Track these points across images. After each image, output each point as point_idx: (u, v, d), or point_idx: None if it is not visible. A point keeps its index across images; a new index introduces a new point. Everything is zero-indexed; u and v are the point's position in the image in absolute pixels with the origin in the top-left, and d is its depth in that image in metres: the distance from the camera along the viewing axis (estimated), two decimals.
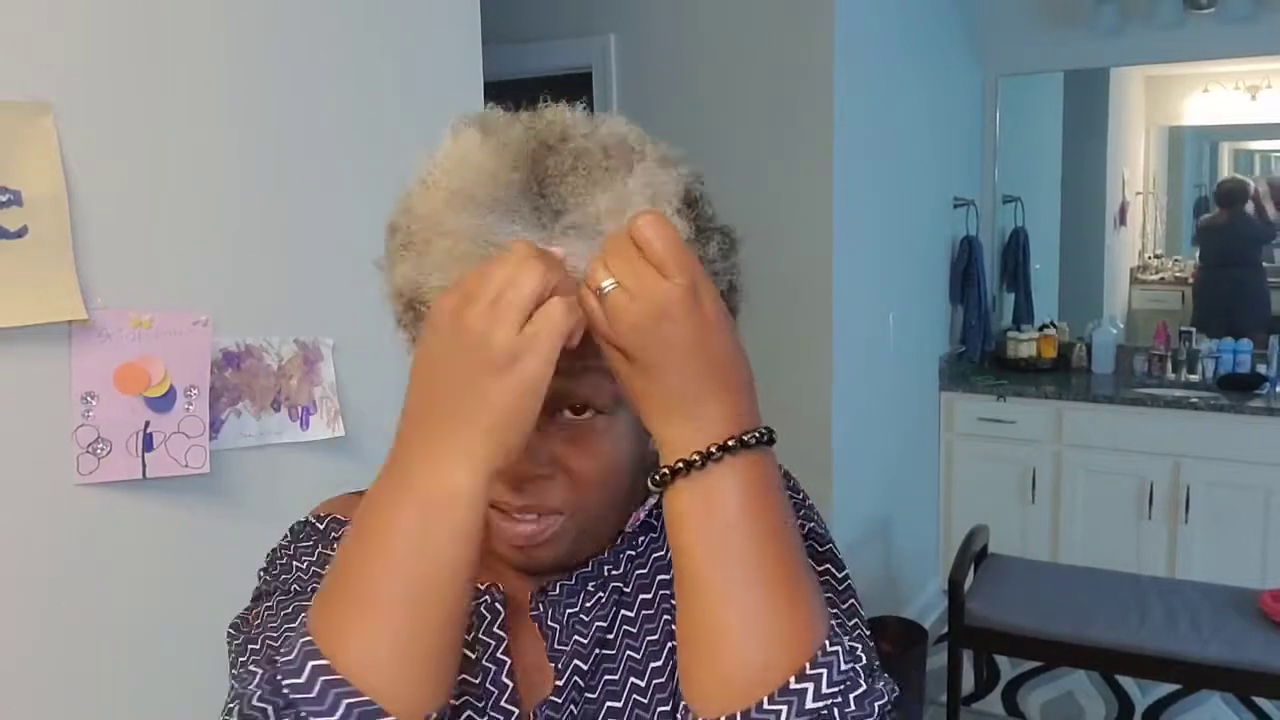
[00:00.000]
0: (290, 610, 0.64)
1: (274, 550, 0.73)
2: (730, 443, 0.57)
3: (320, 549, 0.70)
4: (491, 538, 0.65)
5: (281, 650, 0.57)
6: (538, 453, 0.62)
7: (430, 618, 0.56)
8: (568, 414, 0.63)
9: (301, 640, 0.56)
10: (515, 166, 0.61)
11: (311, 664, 0.55)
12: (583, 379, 0.61)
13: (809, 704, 0.55)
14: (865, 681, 0.57)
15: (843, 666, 0.57)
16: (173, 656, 1.36)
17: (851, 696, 0.56)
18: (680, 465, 0.57)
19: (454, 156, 0.63)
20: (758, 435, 0.59)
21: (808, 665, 0.56)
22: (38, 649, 1.26)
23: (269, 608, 0.66)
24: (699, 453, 0.57)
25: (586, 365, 0.60)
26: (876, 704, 0.57)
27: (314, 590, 0.63)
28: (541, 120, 0.64)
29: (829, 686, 0.56)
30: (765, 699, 0.55)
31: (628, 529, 0.72)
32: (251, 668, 0.58)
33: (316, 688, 0.54)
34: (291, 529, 0.74)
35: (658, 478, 0.58)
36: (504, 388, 0.54)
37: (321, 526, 0.72)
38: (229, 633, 0.68)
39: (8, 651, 1.23)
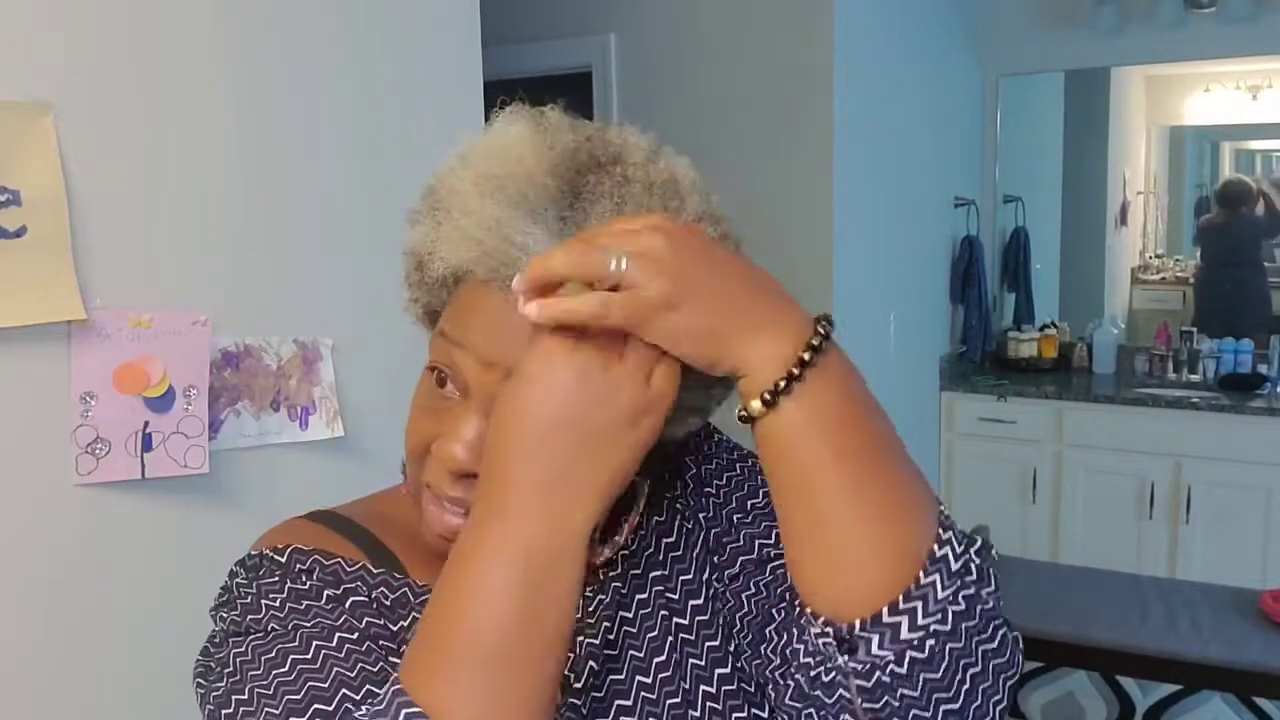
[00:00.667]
0: (274, 654, 0.61)
1: (229, 589, 0.68)
2: (817, 341, 0.55)
3: (289, 583, 0.66)
4: (421, 520, 0.65)
5: (372, 714, 0.53)
6: (479, 446, 0.61)
7: (538, 672, 0.54)
8: None
9: (399, 702, 0.53)
10: (554, 172, 0.60)
11: None
12: None
13: (938, 595, 0.55)
14: (976, 583, 0.57)
15: (953, 567, 0.56)
16: (172, 657, 1.35)
17: (966, 624, 0.56)
18: (785, 380, 0.54)
19: (498, 142, 0.62)
20: (828, 323, 0.57)
21: (904, 594, 0.55)
22: (37, 649, 1.26)
23: (242, 653, 0.62)
24: (801, 359, 0.54)
25: None
26: (983, 607, 0.57)
27: (296, 629, 0.62)
28: (602, 136, 0.63)
29: (948, 580, 0.55)
30: (885, 610, 0.54)
31: (620, 534, 0.70)
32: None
33: None
34: (244, 565, 0.69)
35: (767, 396, 0.54)
36: (629, 445, 0.54)
37: (283, 560, 0.67)
38: (197, 681, 0.64)
39: (7, 652, 1.23)
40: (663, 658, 0.68)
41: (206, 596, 0.70)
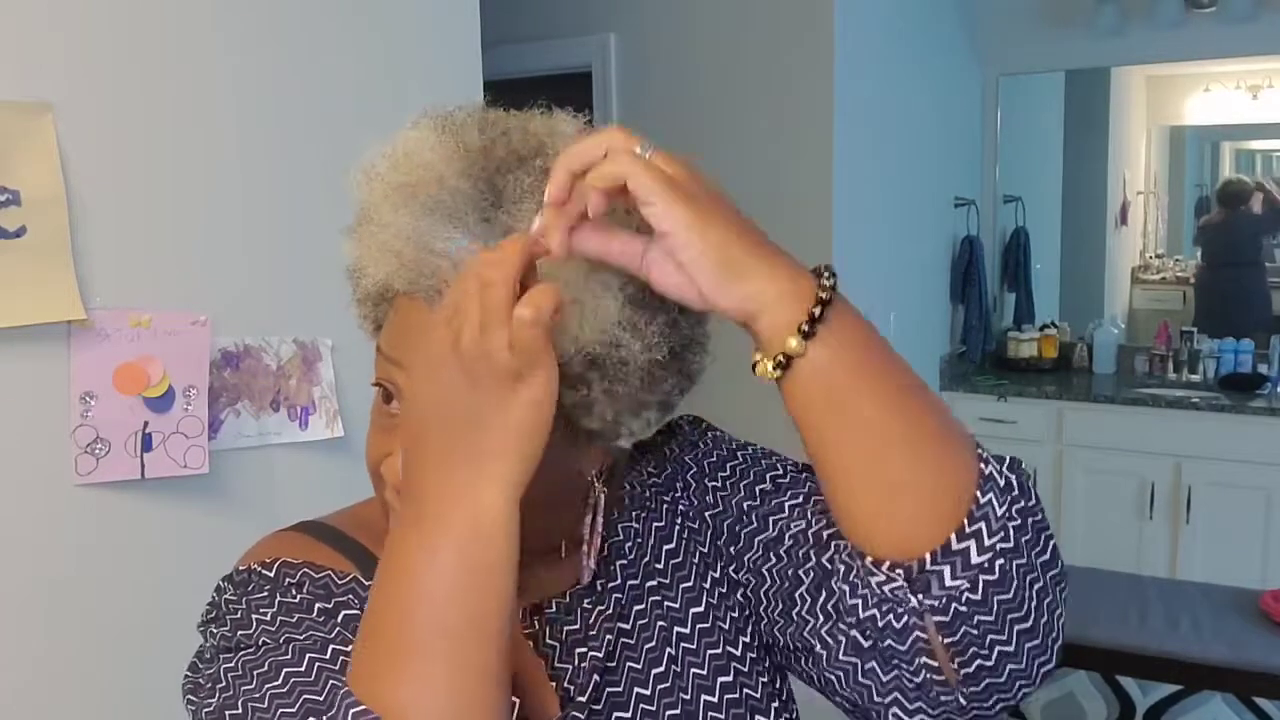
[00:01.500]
0: (266, 668, 0.60)
1: (217, 605, 0.67)
2: (829, 280, 0.54)
3: (279, 597, 0.65)
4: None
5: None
6: None
7: (484, 654, 0.53)
8: None
9: (347, 704, 0.52)
10: (467, 174, 0.59)
11: None
12: None
13: (997, 514, 0.54)
14: (1024, 496, 0.56)
15: (1001, 507, 0.55)
16: (172, 657, 1.35)
17: (1023, 538, 0.56)
18: (819, 307, 0.52)
19: (401, 150, 0.61)
20: (829, 270, 0.55)
21: (969, 517, 0.54)
22: (37, 649, 1.26)
23: (232, 668, 0.61)
24: (820, 299, 0.53)
25: None
26: (1034, 520, 0.56)
27: (289, 642, 0.61)
28: (523, 129, 0.61)
29: (1001, 497, 0.55)
30: (953, 537, 0.54)
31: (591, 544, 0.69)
32: None
33: None
34: (232, 581, 0.68)
35: (805, 328, 0.52)
36: (518, 408, 0.52)
37: (271, 574, 0.66)
38: (187, 698, 0.63)
39: (7, 651, 1.23)
40: (661, 669, 0.67)
41: (206, 597, 0.70)
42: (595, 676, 0.65)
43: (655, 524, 0.72)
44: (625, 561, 0.70)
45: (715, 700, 0.67)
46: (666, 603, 0.69)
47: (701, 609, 0.70)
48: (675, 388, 0.63)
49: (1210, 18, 3.57)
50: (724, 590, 0.71)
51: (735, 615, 0.71)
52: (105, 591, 1.31)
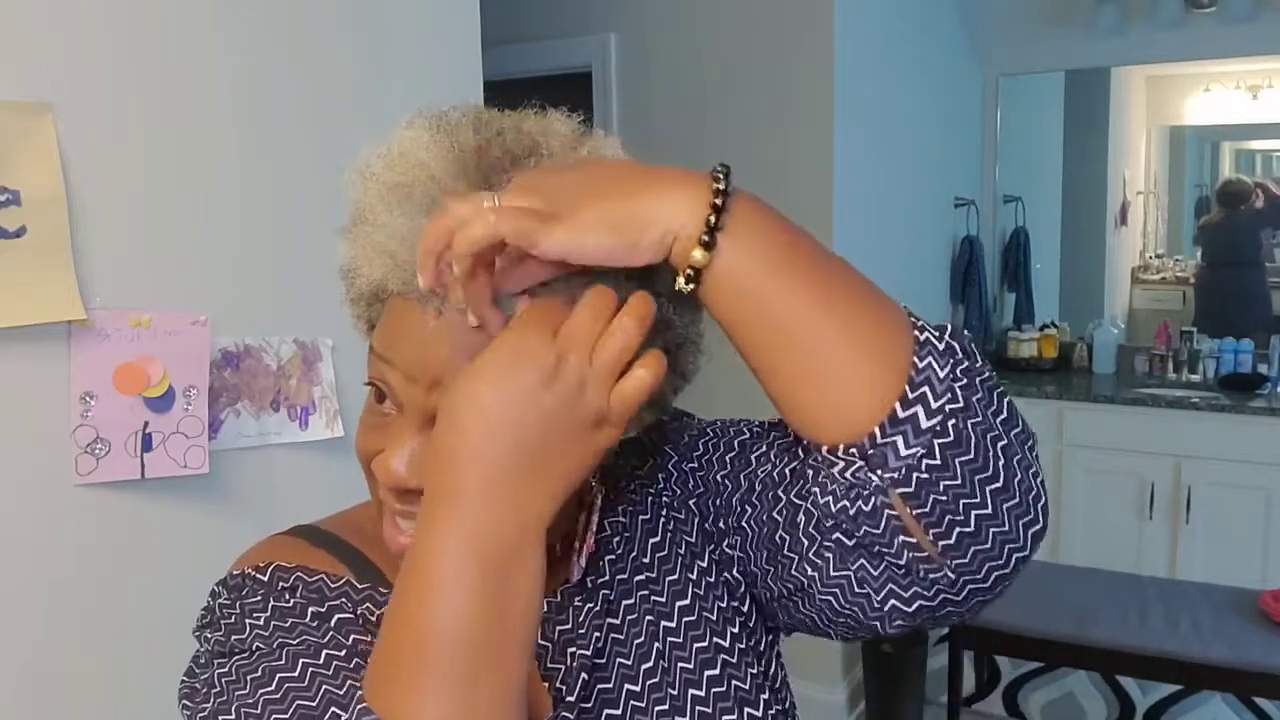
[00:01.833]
0: (260, 673, 0.60)
1: (211, 609, 0.67)
2: (721, 176, 0.55)
3: (272, 601, 0.65)
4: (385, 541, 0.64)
5: None
6: (416, 462, 0.60)
7: (503, 675, 0.53)
8: None
9: (360, 710, 0.52)
10: (462, 175, 0.59)
11: None
12: None
13: (940, 375, 0.55)
14: (967, 358, 0.56)
15: (943, 369, 0.55)
16: (172, 657, 1.35)
17: (973, 396, 0.56)
18: (712, 214, 0.53)
19: (396, 150, 0.61)
20: (723, 170, 0.55)
21: (910, 383, 0.54)
22: (37, 649, 1.26)
23: (226, 673, 0.61)
24: (714, 205, 0.53)
25: None
26: (981, 379, 0.57)
27: (282, 647, 0.61)
28: (518, 129, 0.62)
29: (941, 359, 0.55)
30: (898, 406, 0.54)
31: (586, 541, 0.69)
32: None
33: None
34: (226, 585, 0.68)
35: (705, 238, 0.53)
36: (585, 449, 0.54)
37: (265, 578, 0.67)
38: (183, 704, 0.63)
39: (7, 651, 1.23)
40: (650, 664, 0.67)
41: (206, 598, 0.70)
42: (584, 675, 0.65)
43: (641, 518, 0.72)
44: (613, 557, 0.70)
45: (703, 694, 0.67)
46: (654, 598, 0.69)
47: (687, 602, 0.70)
48: (670, 388, 0.63)
49: (1210, 18, 3.57)
50: (711, 579, 0.71)
51: (724, 605, 0.70)
52: (105, 591, 1.31)
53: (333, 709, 0.57)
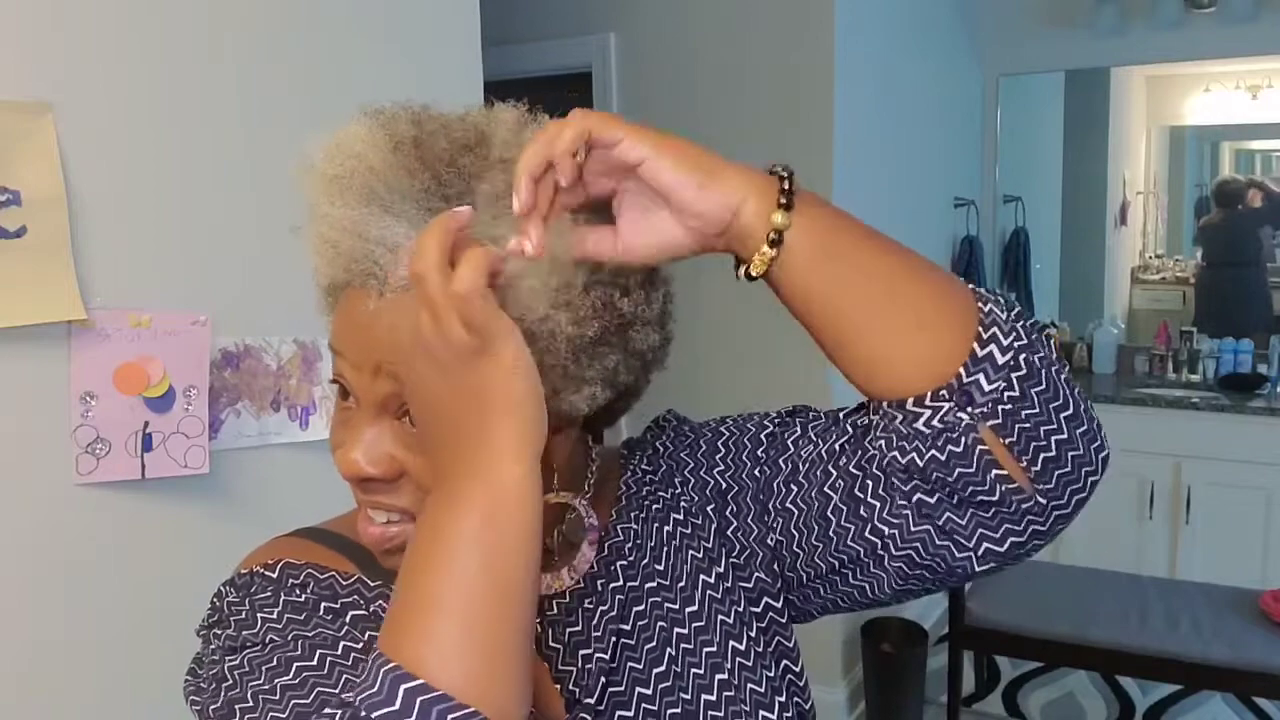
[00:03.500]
0: (275, 662, 0.60)
1: (218, 609, 0.67)
2: (782, 169, 0.59)
3: (283, 596, 0.65)
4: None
5: (359, 690, 0.52)
6: (371, 451, 0.61)
7: (514, 620, 0.54)
8: (408, 422, 0.61)
9: (383, 668, 0.52)
10: (404, 165, 0.60)
11: (404, 688, 0.50)
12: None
13: (1002, 318, 0.60)
14: (1008, 303, 0.62)
15: (1003, 314, 0.60)
16: (172, 657, 1.35)
17: (1031, 336, 0.61)
18: (783, 194, 0.58)
19: (334, 143, 0.62)
20: (782, 165, 0.60)
21: (981, 325, 0.59)
22: (37, 649, 1.26)
23: (237, 665, 0.61)
24: (783, 177, 0.59)
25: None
26: (1030, 321, 0.62)
27: (298, 639, 0.61)
28: (462, 122, 0.63)
29: (1000, 306, 0.61)
30: (976, 346, 0.59)
31: (588, 539, 0.69)
32: (326, 710, 0.53)
33: (415, 711, 0.50)
34: (234, 584, 0.68)
35: (783, 200, 0.58)
36: (489, 384, 0.53)
37: (275, 575, 0.67)
38: (190, 699, 0.63)
39: (8, 651, 1.23)
40: (662, 668, 0.67)
41: (207, 596, 0.70)
42: (601, 678, 0.65)
43: (654, 523, 0.72)
44: (625, 562, 0.70)
45: (714, 699, 0.67)
46: (666, 603, 0.69)
47: (696, 608, 0.70)
48: (622, 365, 0.63)
49: (1210, 18, 3.57)
50: (729, 584, 0.71)
51: (740, 610, 0.70)
52: (105, 591, 1.31)
53: None
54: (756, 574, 0.71)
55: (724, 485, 0.73)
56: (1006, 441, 0.59)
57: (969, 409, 0.59)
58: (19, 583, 1.24)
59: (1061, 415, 0.59)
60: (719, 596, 0.70)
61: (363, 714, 0.50)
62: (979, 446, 0.59)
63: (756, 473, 0.72)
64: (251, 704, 0.58)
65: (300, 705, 0.57)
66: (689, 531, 0.72)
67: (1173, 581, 2.99)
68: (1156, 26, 3.62)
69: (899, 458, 0.62)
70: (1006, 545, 0.62)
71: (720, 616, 0.70)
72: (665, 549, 0.71)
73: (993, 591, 2.73)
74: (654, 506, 0.73)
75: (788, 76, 2.81)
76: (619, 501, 0.73)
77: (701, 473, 0.74)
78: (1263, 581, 3.11)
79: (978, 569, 0.63)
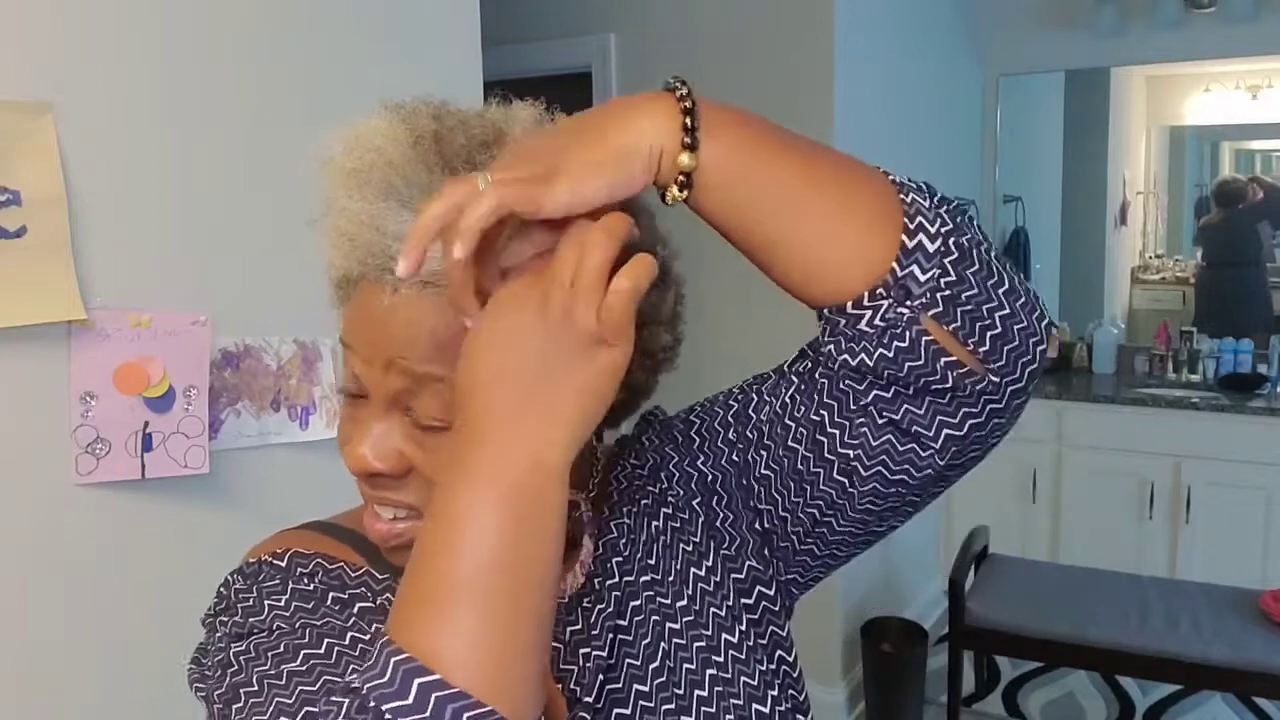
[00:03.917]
0: (282, 649, 0.60)
1: (225, 597, 0.67)
2: (678, 85, 0.58)
3: (292, 585, 0.65)
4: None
5: (365, 675, 0.51)
6: (379, 446, 0.61)
7: (531, 611, 0.52)
8: (411, 420, 0.61)
9: (394, 657, 0.50)
10: (422, 160, 0.59)
11: (418, 682, 0.49)
12: (423, 391, 0.60)
13: (927, 206, 0.60)
14: (929, 189, 0.61)
15: (926, 201, 0.60)
16: (172, 656, 1.35)
17: (957, 219, 0.60)
18: (685, 132, 0.56)
19: (354, 137, 0.62)
20: (678, 80, 0.58)
21: (906, 216, 0.59)
22: (37, 649, 1.26)
23: (244, 651, 0.60)
24: (685, 109, 0.56)
25: (430, 374, 0.59)
26: (952, 204, 0.62)
27: (305, 627, 0.61)
28: (481, 119, 0.63)
29: (922, 195, 0.60)
30: (904, 238, 0.58)
31: (578, 558, 0.69)
32: (333, 698, 0.51)
33: (430, 708, 0.48)
34: (242, 573, 0.67)
35: (686, 140, 0.56)
36: (588, 373, 0.53)
37: (283, 564, 0.67)
38: (195, 685, 0.63)
39: (8, 651, 1.23)
40: (657, 664, 0.67)
41: (207, 596, 0.70)
42: (600, 676, 0.65)
43: (644, 518, 0.72)
44: (621, 559, 0.70)
45: (706, 694, 0.67)
46: (659, 599, 0.69)
47: (687, 602, 0.70)
48: (635, 365, 0.63)
49: (1210, 18, 3.57)
50: (719, 578, 0.71)
51: (731, 603, 0.70)
52: (105, 591, 1.31)
53: None
54: (748, 563, 0.71)
55: (709, 475, 0.73)
56: (950, 327, 0.59)
57: (909, 302, 0.59)
58: (19, 583, 1.24)
59: (999, 291, 0.60)
60: (710, 589, 0.70)
61: (371, 704, 0.49)
62: (924, 338, 0.59)
63: (734, 456, 0.72)
64: (257, 689, 0.58)
65: (306, 691, 0.57)
66: (678, 525, 0.72)
67: (1173, 581, 3.00)
68: (1156, 26, 3.62)
69: (849, 360, 0.62)
70: (965, 427, 0.62)
71: (712, 609, 0.70)
72: (656, 544, 0.72)
73: (993, 591, 2.73)
74: (644, 502, 0.73)
75: (788, 76, 2.81)
76: (611, 498, 0.73)
77: (685, 465, 0.74)
78: (1263, 581, 3.11)
79: (940, 461, 0.63)
